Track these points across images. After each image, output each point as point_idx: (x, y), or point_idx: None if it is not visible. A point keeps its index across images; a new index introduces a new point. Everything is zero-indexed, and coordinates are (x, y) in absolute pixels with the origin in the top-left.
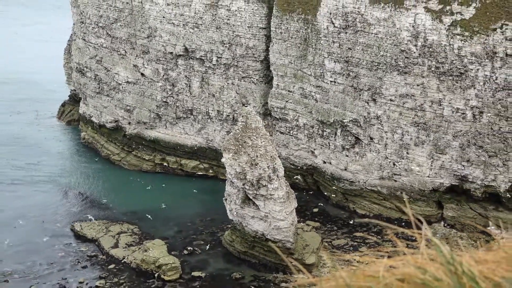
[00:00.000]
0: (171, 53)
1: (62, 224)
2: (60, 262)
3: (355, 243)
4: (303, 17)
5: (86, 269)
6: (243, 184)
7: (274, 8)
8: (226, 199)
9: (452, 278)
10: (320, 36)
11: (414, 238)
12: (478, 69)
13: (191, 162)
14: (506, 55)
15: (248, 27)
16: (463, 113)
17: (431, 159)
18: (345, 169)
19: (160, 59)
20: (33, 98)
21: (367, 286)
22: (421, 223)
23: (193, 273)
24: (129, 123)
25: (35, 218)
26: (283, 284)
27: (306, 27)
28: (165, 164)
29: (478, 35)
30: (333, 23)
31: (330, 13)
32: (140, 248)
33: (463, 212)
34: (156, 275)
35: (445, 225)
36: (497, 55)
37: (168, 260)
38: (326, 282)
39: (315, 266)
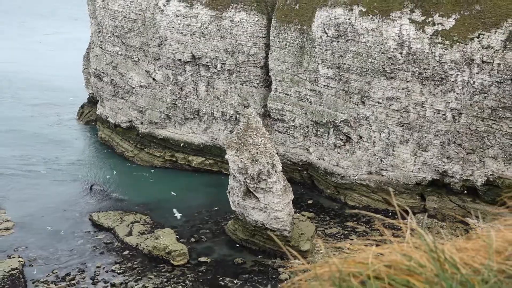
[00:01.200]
0: (180, 59)
1: (81, 214)
2: (80, 249)
3: (346, 232)
4: (299, 27)
5: (103, 255)
6: (245, 178)
7: (273, 19)
8: (229, 192)
9: (435, 265)
10: (315, 44)
11: (399, 227)
12: (457, 75)
13: (197, 158)
14: (483, 62)
15: (249, 36)
16: (444, 114)
17: (415, 156)
18: (337, 165)
19: (170, 65)
20: (55, 100)
21: (357, 271)
22: (407, 213)
23: (199, 259)
24: (142, 123)
25: (56, 208)
26: (281, 269)
27: (301, 37)
28: (174, 160)
29: (457, 43)
30: (326, 33)
31: (324, 24)
32: (151, 236)
33: (444, 204)
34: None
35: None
36: (474, 62)
37: (177, 247)
38: (320, 268)
39: (309, 252)
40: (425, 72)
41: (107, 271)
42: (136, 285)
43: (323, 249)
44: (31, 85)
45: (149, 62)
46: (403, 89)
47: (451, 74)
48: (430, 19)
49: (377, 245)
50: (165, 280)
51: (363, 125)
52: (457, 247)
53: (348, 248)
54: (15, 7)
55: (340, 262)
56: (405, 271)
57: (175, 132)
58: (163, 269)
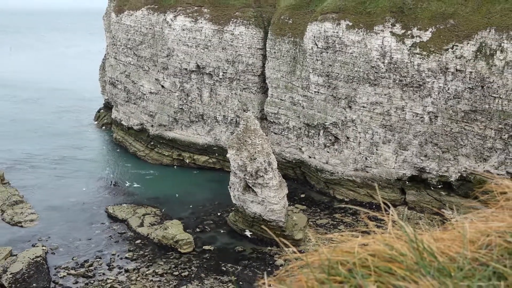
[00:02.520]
0: (186, 69)
1: (98, 207)
2: (97, 238)
3: (335, 223)
4: (292, 39)
5: (118, 243)
6: (244, 175)
7: (269, 32)
8: (230, 187)
9: (415, 253)
10: (306, 55)
11: (382, 219)
12: (433, 82)
13: (202, 157)
14: (456, 70)
15: (248, 48)
16: (422, 117)
17: (396, 154)
18: (327, 163)
19: (177, 74)
20: (74, 106)
21: (344, 260)
22: (389, 207)
23: (204, 247)
24: (152, 125)
25: (76, 202)
26: (276, 256)
27: (294, 48)
28: (181, 158)
29: (433, 54)
30: (316, 45)
31: (314, 37)
32: (161, 226)
33: (422, 197)
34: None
35: (408, 208)
36: (449, 70)
37: (183, 236)
38: (310, 257)
39: (302, 241)
40: (405, 80)
41: (121, 258)
42: (147, 271)
43: (314, 239)
44: (53, 92)
45: (158, 71)
46: (385, 94)
47: (428, 81)
48: (409, 32)
49: (362, 236)
50: (173, 266)
51: (349, 127)
52: (435, 237)
53: (336, 238)
54: (34, 23)
55: (329, 251)
56: (388, 259)
57: (182, 133)
58: (171, 256)
